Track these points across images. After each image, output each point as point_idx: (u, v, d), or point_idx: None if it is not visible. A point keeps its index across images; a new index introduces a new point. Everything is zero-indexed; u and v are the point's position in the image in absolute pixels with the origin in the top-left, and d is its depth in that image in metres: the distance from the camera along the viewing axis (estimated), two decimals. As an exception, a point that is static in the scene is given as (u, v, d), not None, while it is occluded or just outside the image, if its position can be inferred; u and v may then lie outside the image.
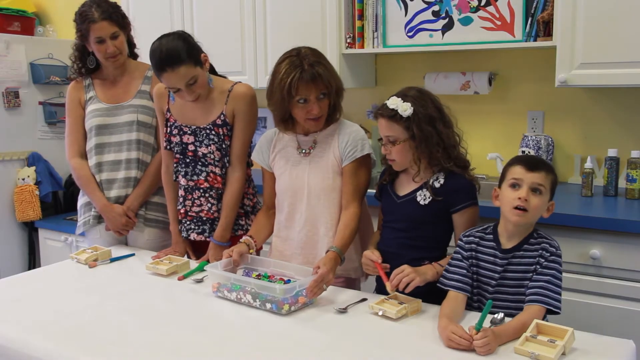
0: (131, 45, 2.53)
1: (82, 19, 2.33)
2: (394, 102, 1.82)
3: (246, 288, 1.81)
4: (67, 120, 2.52)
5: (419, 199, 1.88)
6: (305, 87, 1.90)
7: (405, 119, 1.81)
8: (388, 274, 1.79)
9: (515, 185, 1.68)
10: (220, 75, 2.32)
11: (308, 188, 2.04)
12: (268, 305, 1.76)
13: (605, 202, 2.52)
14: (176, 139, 2.25)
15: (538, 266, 1.63)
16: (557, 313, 1.60)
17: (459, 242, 1.78)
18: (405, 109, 1.81)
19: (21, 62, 3.81)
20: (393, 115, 1.82)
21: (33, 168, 3.82)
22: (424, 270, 1.78)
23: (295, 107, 1.95)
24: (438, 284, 1.76)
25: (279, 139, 2.11)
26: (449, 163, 1.85)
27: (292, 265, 1.98)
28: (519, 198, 1.65)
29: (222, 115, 2.20)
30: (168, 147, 2.29)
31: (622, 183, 2.60)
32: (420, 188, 1.88)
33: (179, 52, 2.04)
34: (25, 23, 4.10)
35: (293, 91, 1.90)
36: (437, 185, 1.86)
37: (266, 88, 2.02)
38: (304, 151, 2.06)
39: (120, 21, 2.38)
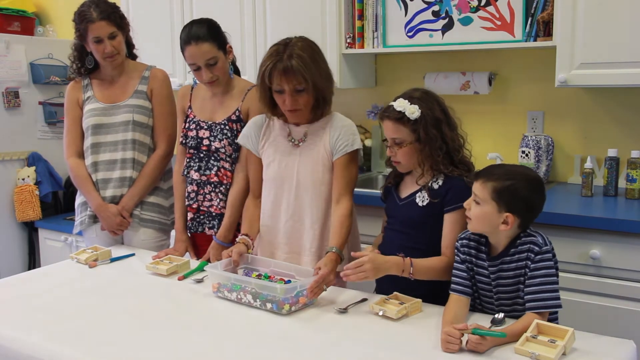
0: (130, 45, 2.54)
1: (81, 19, 2.34)
2: (401, 104, 1.81)
3: (246, 288, 1.80)
4: (65, 119, 2.53)
5: (417, 200, 1.88)
6: (278, 78, 1.91)
7: (413, 121, 1.81)
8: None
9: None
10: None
11: (297, 179, 2.04)
12: (268, 305, 1.76)
13: (605, 202, 2.52)
14: (192, 133, 2.31)
15: (527, 269, 1.62)
16: (558, 309, 1.59)
17: (455, 244, 1.77)
18: (413, 111, 1.80)
19: (21, 62, 3.81)
20: (400, 118, 1.81)
21: (33, 168, 3.82)
22: (387, 266, 1.76)
23: (275, 95, 1.97)
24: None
25: (268, 126, 2.11)
26: (449, 168, 1.84)
27: (293, 265, 1.98)
28: (464, 206, 1.69)
29: (237, 111, 2.26)
30: (184, 141, 2.34)
31: (622, 183, 2.59)
32: (420, 190, 1.88)
33: (206, 30, 2.19)
34: (25, 23, 4.10)
35: (267, 80, 1.92)
36: (435, 187, 1.85)
37: None
38: (293, 140, 2.05)
39: (119, 21, 2.39)
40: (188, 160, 2.34)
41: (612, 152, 2.58)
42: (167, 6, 3.57)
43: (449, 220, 1.83)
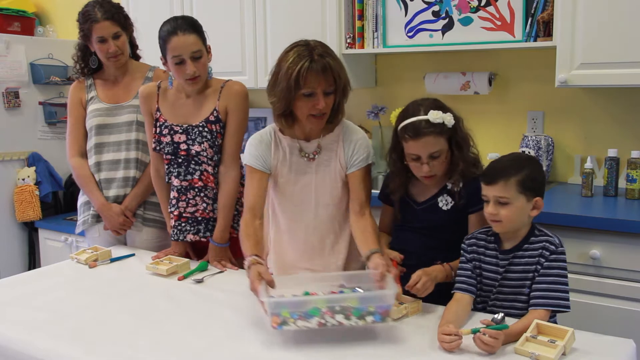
0: (133, 46, 2.54)
1: (85, 19, 2.35)
2: (438, 116, 1.73)
3: (335, 308, 1.54)
4: (68, 119, 2.53)
5: (440, 204, 1.85)
6: (314, 78, 1.77)
7: (447, 129, 1.76)
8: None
9: (486, 200, 1.69)
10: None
11: (316, 198, 1.96)
12: (369, 319, 1.54)
13: (605, 202, 2.52)
14: (167, 139, 2.21)
15: (539, 266, 1.63)
16: (566, 311, 1.60)
17: (462, 245, 1.78)
18: (449, 120, 1.75)
19: (21, 62, 3.81)
20: (440, 131, 1.75)
21: (33, 168, 3.82)
22: (435, 274, 1.76)
23: (299, 101, 1.81)
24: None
25: (277, 144, 1.97)
26: (472, 169, 1.81)
27: (334, 274, 1.83)
28: (490, 213, 1.66)
29: (214, 112, 2.18)
30: (157, 148, 2.25)
31: (622, 183, 2.60)
32: (440, 193, 1.86)
33: (193, 22, 2.15)
34: (25, 23, 4.10)
35: (301, 81, 1.76)
36: (456, 189, 1.82)
37: (269, 78, 1.88)
38: (307, 155, 1.95)
39: (123, 21, 2.40)
40: (167, 166, 2.26)
41: (612, 152, 2.58)
42: (167, 7, 3.57)
43: (475, 220, 1.83)
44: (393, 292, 1.55)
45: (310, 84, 1.78)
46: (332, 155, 1.95)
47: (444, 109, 1.78)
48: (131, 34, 2.49)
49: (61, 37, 4.26)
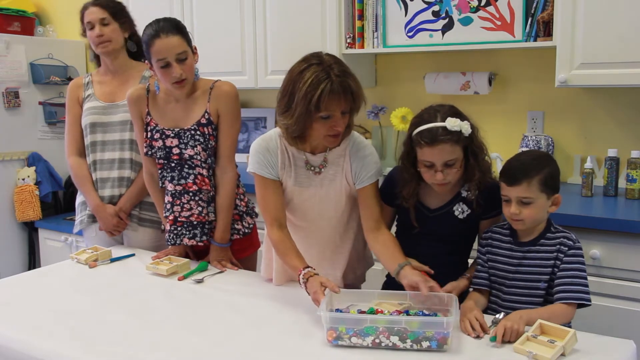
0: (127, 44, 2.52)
1: (82, 8, 2.43)
2: (456, 124, 1.70)
3: (394, 328, 1.50)
4: (66, 118, 2.53)
5: (456, 213, 1.83)
6: (335, 101, 1.70)
7: (464, 138, 1.72)
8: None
9: (506, 200, 1.70)
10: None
11: (319, 211, 1.94)
12: (425, 344, 1.49)
13: (605, 202, 2.52)
14: (158, 144, 2.17)
15: (558, 261, 1.65)
16: (588, 305, 1.63)
17: (480, 240, 1.82)
18: (467, 128, 1.72)
19: (21, 62, 3.82)
20: (457, 139, 1.72)
21: (33, 168, 3.82)
22: (462, 287, 1.78)
23: (316, 123, 1.75)
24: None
25: (283, 153, 1.90)
26: (490, 175, 1.80)
27: (398, 292, 1.72)
28: (512, 213, 1.67)
29: (206, 114, 2.15)
30: (149, 152, 2.21)
31: (622, 183, 2.59)
32: (455, 201, 1.84)
33: (176, 23, 2.12)
34: (25, 23, 4.11)
35: (322, 105, 1.69)
36: (472, 197, 1.80)
37: (279, 99, 1.80)
38: (313, 169, 1.91)
39: (112, 10, 2.44)
40: (160, 170, 2.22)
41: (612, 152, 2.58)
42: (166, 7, 3.57)
43: (487, 225, 1.85)
44: (455, 319, 1.50)
45: (330, 107, 1.72)
46: (337, 170, 1.90)
47: (462, 116, 1.75)
48: (128, 27, 2.50)
49: (61, 37, 4.26)
